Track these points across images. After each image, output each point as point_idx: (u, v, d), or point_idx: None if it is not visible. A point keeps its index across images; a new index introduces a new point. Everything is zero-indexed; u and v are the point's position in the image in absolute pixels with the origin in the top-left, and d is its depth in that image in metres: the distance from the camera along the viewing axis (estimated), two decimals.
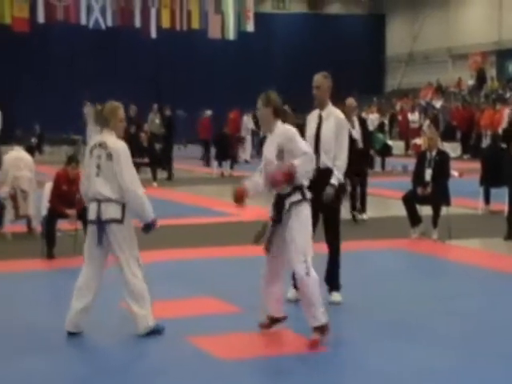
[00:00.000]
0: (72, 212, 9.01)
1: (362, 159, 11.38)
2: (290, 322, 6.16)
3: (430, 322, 6.24)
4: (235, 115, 25.93)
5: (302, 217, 5.43)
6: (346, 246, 9.70)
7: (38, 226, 9.91)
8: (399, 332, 5.96)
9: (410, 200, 10.19)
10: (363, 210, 11.93)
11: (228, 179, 19.82)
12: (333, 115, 6.61)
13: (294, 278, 6.54)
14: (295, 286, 6.64)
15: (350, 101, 11.41)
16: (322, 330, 5.47)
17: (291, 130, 5.48)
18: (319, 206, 6.38)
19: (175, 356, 5.38)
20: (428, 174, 10.13)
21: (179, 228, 11.28)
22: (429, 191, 10.02)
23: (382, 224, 11.72)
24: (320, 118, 6.63)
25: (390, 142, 23.07)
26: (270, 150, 5.52)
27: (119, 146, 5.70)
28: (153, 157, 18.13)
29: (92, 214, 5.72)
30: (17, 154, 10.65)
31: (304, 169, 5.37)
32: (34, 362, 5.27)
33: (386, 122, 29.15)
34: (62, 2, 29.72)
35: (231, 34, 32.73)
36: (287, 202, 5.43)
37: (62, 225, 9.26)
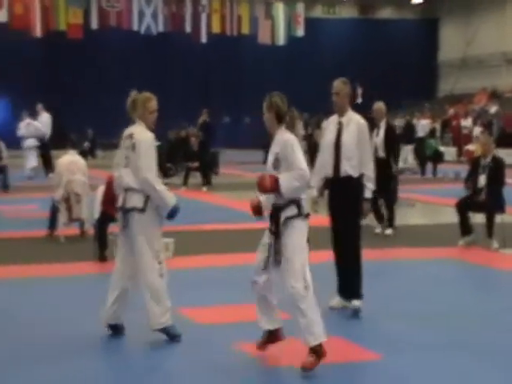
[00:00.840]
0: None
1: (382, 172, 10.27)
2: (339, 328, 6.11)
3: (484, 334, 6.11)
4: None
5: (296, 232, 5.12)
6: (394, 254, 9.60)
7: (90, 229, 10.03)
8: (451, 344, 5.84)
9: (464, 207, 10.00)
10: (389, 224, 11.06)
11: None
12: (353, 121, 6.48)
13: (344, 289, 6.51)
14: (340, 294, 6.58)
15: (379, 105, 11.00)
16: (318, 351, 5.10)
17: (291, 139, 5.19)
18: (337, 213, 6.41)
19: (222, 361, 5.37)
20: (482, 180, 9.94)
21: (229, 233, 11.30)
22: (483, 198, 9.84)
23: (432, 232, 11.54)
24: (340, 124, 6.51)
25: (441, 149, 22.75)
26: (269, 158, 5.34)
27: (143, 137, 5.73)
28: (203, 161, 18.22)
29: (119, 202, 5.82)
30: (71, 158, 10.82)
31: (290, 185, 5.04)
32: (82, 363, 5.32)
33: (438, 127, 28.77)
34: (114, 8, 30.20)
35: (281, 39, 32.77)
36: (282, 216, 5.15)
37: (114, 228, 9.36)
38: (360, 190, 6.43)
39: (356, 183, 6.41)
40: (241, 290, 7.56)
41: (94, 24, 29.98)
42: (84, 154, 25.96)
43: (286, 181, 5.06)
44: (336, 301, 6.71)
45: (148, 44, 32.02)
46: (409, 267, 8.81)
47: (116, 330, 5.91)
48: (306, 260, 5.11)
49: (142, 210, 5.66)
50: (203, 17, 31.36)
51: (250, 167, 24.14)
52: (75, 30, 29.65)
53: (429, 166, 21.53)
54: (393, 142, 11.01)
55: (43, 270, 8.48)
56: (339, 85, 6.52)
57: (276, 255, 5.14)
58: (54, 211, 10.61)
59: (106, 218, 9.10)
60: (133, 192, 5.70)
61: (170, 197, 5.80)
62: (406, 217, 13.33)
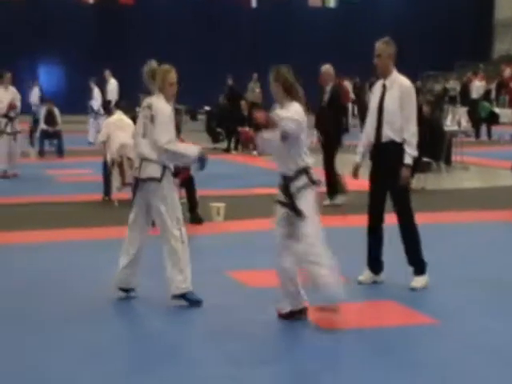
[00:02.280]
0: (175, 180, 9.16)
1: (327, 145, 10.13)
2: (391, 292, 6.08)
3: None
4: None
5: (309, 201, 5.27)
6: (451, 217, 9.47)
7: None
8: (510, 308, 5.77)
9: None
10: (333, 191, 10.23)
11: None
12: (397, 83, 6.17)
13: (373, 260, 6.43)
14: (372, 270, 6.46)
15: (326, 67, 10.22)
16: (334, 308, 5.30)
17: (298, 112, 5.24)
18: (378, 179, 6.23)
19: (284, 325, 5.40)
20: None
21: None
22: None
23: (488, 195, 11.33)
24: (384, 87, 6.24)
25: (496, 110, 22.23)
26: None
27: (162, 109, 5.79)
28: (252, 125, 18.20)
29: (135, 172, 5.95)
30: (118, 117, 10.94)
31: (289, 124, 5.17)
32: (118, 324, 5.41)
33: (493, 89, 28.07)
34: None
35: (332, 2, 32.30)
36: (293, 186, 5.29)
37: None
38: (402, 156, 6.14)
39: (398, 148, 6.12)
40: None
41: None
42: (135, 119, 26.26)
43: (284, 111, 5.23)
44: (365, 275, 6.47)
45: (198, 8, 31.92)
46: (464, 231, 8.69)
47: (127, 293, 6.03)
48: (319, 228, 5.26)
49: (159, 180, 5.77)
50: None
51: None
52: None
53: (483, 129, 21.07)
54: (337, 110, 10.12)
55: (96, 234, 8.61)
56: (380, 46, 6.21)
57: (292, 227, 5.27)
58: (107, 175, 10.76)
59: None
60: (149, 162, 5.79)
61: (192, 149, 5.96)
62: (460, 180, 13.13)
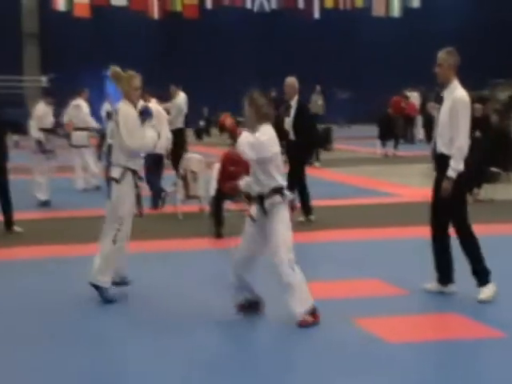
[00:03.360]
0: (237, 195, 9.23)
1: (293, 160, 9.47)
2: (458, 304, 5.98)
3: None
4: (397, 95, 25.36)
5: (282, 217, 5.59)
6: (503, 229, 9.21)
7: (206, 206, 10.25)
8: None
9: None
10: (307, 211, 9.86)
11: (392, 159, 19.49)
12: (452, 95, 6.07)
13: (438, 271, 6.32)
14: (439, 280, 6.35)
15: (291, 80, 9.82)
16: (312, 312, 5.59)
17: (267, 135, 5.57)
18: (436, 190, 6.15)
19: (340, 337, 5.37)
20: None
21: (341, 209, 11.24)
22: None
23: None
24: (442, 98, 6.17)
25: None
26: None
27: (126, 114, 6.18)
28: (315, 137, 18.13)
29: (107, 173, 6.57)
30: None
31: (247, 139, 5.49)
32: (204, 336, 5.46)
33: None
34: None
35: (396, 11, 32.05)
36: (267, 203, 5.58)
37: (230, 205, 9.51)
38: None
39: (448, 161, 6.00)
40: (354, 265, 7.54)
41: (209, 4, 30.39)
42: (199, 132, 26.57)
43: (246, 136, 5.51)
44: (432, 284, 6.37)
45: (261, 21, 32.12)
46: None
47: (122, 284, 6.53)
48: (290, 242, 5.63)
49: (118, 181, 6.27)
50: None
51: (363, 142, 23.87)
52: (191, 11, 30.17)
53: None
54: (304, 124, 9.59)
55: (161, 246, 8.73)
56: (442, 55, 6.14)
57: (263, 240, 5.64)
58: (159, 190, 11.03)
59: (221, 196, 9.25)
60: (113, 165, 6.31)
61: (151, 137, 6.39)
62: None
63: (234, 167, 9.30)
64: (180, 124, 13.65)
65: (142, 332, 5.56)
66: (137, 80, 6.27)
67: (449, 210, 6.17)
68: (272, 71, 32.31)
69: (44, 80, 28.50)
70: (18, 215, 9.63)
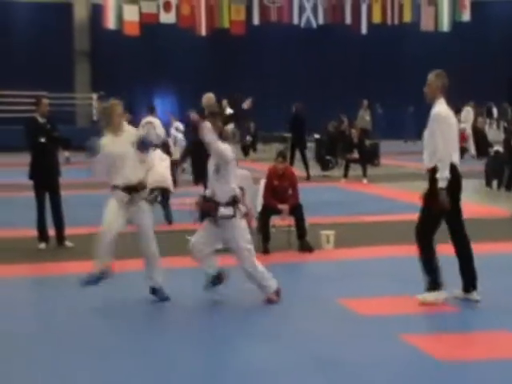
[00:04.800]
0: (284, 207, 9.24)
1: None
2: (505, 321, 5.88)
3: None
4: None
5: (238, 226, 6.61)
6: None
7: (253, 222, 10.27)
8: None
9: None
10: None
11: None
12: (432, 111, 6.59)
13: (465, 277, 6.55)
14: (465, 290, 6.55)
15: (208, 96, 9.88)
16: (277, 293, 6.68)
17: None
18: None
19: (388, 353, 5.33)
20: None
21: (390, 224, 11.15)
22: None
23: None
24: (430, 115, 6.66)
25: None
26: (211, 166, 6.73)
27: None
28: (362, 153, 18.08)
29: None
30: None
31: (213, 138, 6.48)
32: (250, 349, 5.46)
33: None
34: (275, 3, 30.64)
35: (445, 25, 31.78)
36: (219, 213, 6.60)
37: (276, 221, 9.52)
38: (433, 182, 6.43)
39: (431, 175, 6.48)
40: (401, 281, 7.48)
41: (256, 20, 30.59)
42: (246, 147, 26.65)
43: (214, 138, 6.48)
44: (457, 292, 6.68)
45: (307, 36, 32.18)
46: None
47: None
48: (249, 240, 6.67)
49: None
50: (364, 7, 31.10)
51: (411, 157, 23.64)
52: (238, 27, 30.42)
53: None
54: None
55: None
56: (431, 77, 6.75)
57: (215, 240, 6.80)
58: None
59: (267, 211, 9.28)
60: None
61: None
62: None
63: (278, 181, 9.34)
64: None
65: (194, 346, 5.60)
66: (119, 107, 7.09)
67: (454, 218, 6.51)
68: (319, 86, 32.37)
69: (95, 97, 29.02)
70: (69, 231, 9.79)
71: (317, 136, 22.79)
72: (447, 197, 6.33)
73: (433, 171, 6.44)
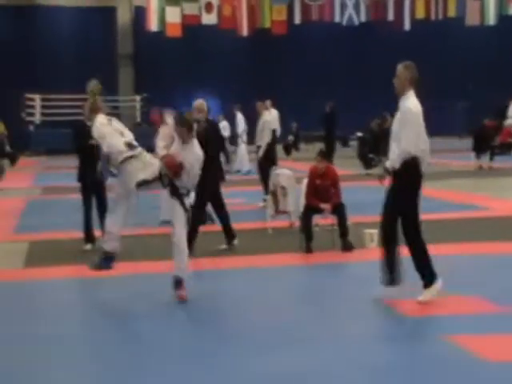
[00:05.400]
0: (326, 206, 9.21)
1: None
2: None
3: None
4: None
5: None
6: None
7: (296, 222, 10.25)
8: None
9: None
10: (229, 238, 9.44)
11: (486, 172, 18.96)
12: (402, 105, 6.53)
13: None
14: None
15: (198, 103, 9.61)
16: (180, 283, 6.76)
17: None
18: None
19: (436, 354, 5.24)
20: None
21: (434, 223, 10.98)
22: None
23: None
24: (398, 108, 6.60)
25: None
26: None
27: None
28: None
29: None
30: None
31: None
32: (287, 352, 5.44)
33: None
34: (316, 1, 30.54)
35: (491, 19, 31.27)
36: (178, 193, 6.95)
37: (319, 220, 9.47)
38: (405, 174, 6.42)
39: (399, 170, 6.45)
40: (446, 280, 7.34)
41: (297, 19, 30.54)
42: (288, 147, 26.62)
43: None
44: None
45: (349, 34, 32.01)
46: None
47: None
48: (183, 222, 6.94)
49: None
50: (406, 3, 30.81)
51: (456, 155, 23.33)
52: (279, 27, 30.42)
53: None
54: (211, 149, 8.98)
55: (251, 261, 8.78)
56: (400, 68, 6.67)
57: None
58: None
59: (310, 210, 9.25)
60: None
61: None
62: None
63: (320, 180, 9.31)
64: (268, 139, 13.75)
65: (230, 347, 5.60)
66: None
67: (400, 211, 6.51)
68: (361, 84, 32.15)
69: (138, 100, 29.32)
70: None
71: (359, 134, 22.63)
72: (385, 175, 6.59)
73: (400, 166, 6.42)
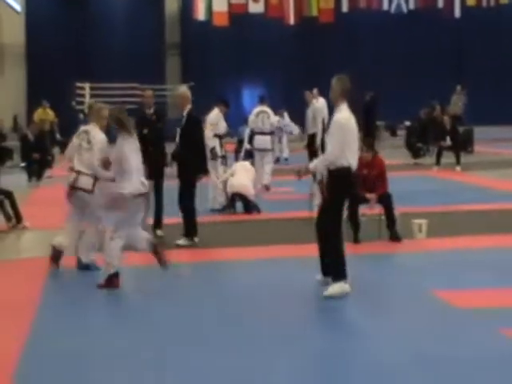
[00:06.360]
0: (372, 196, 9.13)
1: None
2: None
3: None
4: None
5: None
6: None
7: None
8: None
9: None
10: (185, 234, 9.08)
11: None
12: (335, 117, 6.90)
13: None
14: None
15: (182, 90, 9.50)
16: (111, 279, 7.05)
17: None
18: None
19: (488, 347, 5.17)
20: None
21: (485, 214, 10.81)
22: None
23: None
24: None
25: None
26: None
27: (98, 137, 7.82)
28: (456, 140, 17.59)
29: (70, 181, 7.91)
30: None
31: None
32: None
33: None
34: None
35: None
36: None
37: (365, 210, 9.38)
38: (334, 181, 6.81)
39: (332, 174, 6.85)
40: (499, 272, 7.23)
41: (345, 7, 30.25)
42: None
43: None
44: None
45: (399, 22, 31.57)
46: None
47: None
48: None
49: (91, 191, 7.77)
50: None
51: (508, 144, 22.87)
52: (327, 15, 30.17)
53: None
54: (195, 138, 9.06)
55: (299, 250, 8.72)
56: (333, 81, 6.98)
57: None
58: None
59: (356, 200, 9.17)
60: (83, 175, 7.77)
61: (106, 174, 7.52)
62: None
63: (366, 170, 9.23)
64: (315, 129, 13.72)
65: (291, 342, 5.60)
66: (105, 111, 7.79)
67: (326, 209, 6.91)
68: (410, 73, 31.71)
69: None
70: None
71: (407, 123, 22.37)
72: (303, 172, 7.12)
73: (332, 170, 6.80)
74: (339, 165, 6.71)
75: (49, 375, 4.91)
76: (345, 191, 6.94)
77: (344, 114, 6.85)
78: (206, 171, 9.61)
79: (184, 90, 9.59)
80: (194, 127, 9.18)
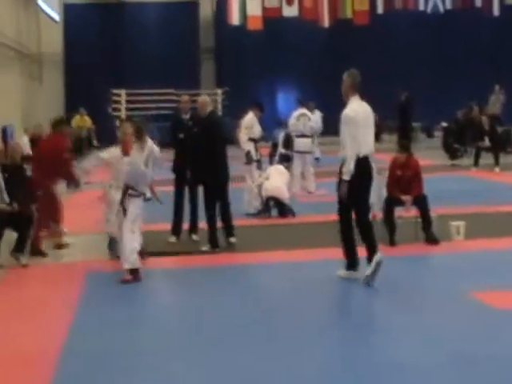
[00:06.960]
0: (407, 198, 9.04)
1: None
2: None
3: None
4: None
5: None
6: None
7: (378, 213, 10.08)
8: None
9: None
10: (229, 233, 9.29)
11: None
12: (343, 112, 7.04)
13: None
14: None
15: (202, 98, 9.67)
16: (135, 272, 7.47)
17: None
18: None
19: None
20: None
21: None
22: None
23: None
24: None
25: None
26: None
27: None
28: (494, 140, 17.34)
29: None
30: None
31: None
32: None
33: None
34: None
35: None
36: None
37: (401, 212, 9.28)
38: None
39: (342, 166, 7.08)
40: None
41: (380, 9, 30.03)
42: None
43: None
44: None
45: (434, 22, 31.25)
46: None
47: None
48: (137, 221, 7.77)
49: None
50: None
51: None
52: (362, 17, 29.99)
53: None
54: (216, 144, 9.14)
55: (332, 253, 8.65)
56: (343, 76, 7.21)
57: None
58: None
59: (392, 202, 9.09)
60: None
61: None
62: None
63: (401, 171, 9.15)
64: None
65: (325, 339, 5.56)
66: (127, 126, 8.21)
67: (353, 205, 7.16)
68: (448, 73, 31.36)
69: (219, 93, 29.57)
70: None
71: (444, 124, 22.12)
72: (346, 187, 7.02)
73: (342, 164, 7.03)
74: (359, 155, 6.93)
75: (86, 374, 4.97)
76: (366, 179, 7.10)
77: (352, 107, 7.05)
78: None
79: (205, 97, 9.89)
80: (214, 124, 9.43)
